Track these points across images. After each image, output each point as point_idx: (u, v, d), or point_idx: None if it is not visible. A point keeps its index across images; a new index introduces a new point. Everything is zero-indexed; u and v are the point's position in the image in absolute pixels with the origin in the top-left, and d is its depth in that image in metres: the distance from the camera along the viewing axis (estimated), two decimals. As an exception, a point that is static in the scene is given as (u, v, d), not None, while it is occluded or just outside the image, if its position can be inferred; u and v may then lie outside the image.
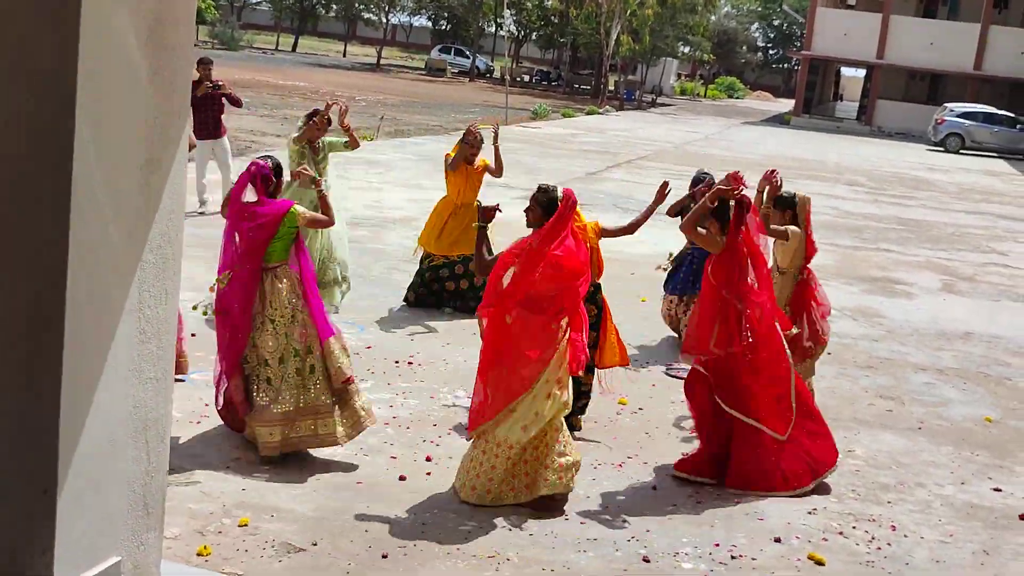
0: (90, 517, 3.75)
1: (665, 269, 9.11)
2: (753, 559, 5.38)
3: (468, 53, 68.34)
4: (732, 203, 6.17)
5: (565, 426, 5.78)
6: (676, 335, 8.98)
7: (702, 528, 5.66)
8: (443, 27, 77.95)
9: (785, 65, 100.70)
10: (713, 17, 68.83)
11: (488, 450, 5.60)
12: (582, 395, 6.80)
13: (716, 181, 6.76)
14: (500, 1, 50.77)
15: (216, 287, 6.07)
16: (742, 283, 6.13)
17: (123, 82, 3.63)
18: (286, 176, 6.93)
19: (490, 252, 5.96)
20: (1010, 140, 40.95)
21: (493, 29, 70.88)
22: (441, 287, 9.61)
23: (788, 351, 6.36)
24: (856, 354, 9.57)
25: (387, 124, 26.70)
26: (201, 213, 12.38)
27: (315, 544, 5.06)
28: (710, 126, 44.11)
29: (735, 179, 6.11)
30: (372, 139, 23.49)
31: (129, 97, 3.67)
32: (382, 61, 66.86)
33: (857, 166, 30.13)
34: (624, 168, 23.40)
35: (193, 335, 7.69)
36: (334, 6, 75.80)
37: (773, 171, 7.24)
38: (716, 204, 6.18)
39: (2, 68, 3.42)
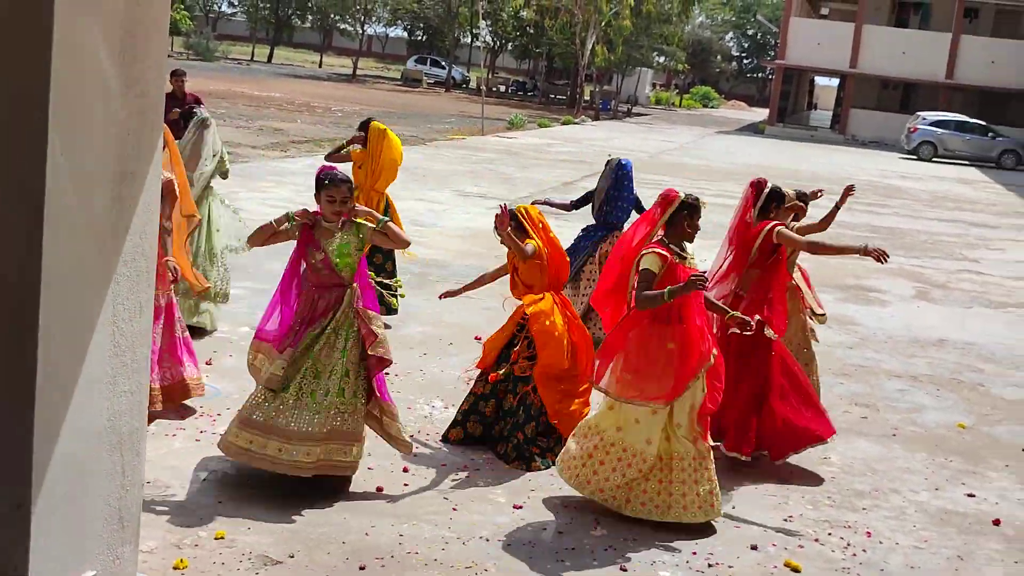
0: (64, 531, 3.73)
1: None
2: (730, 567, 5.40)
3: (444, 64, 68.49)
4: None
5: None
6: None
7: (679, 536, 5.68)
8: (419, 38, 78.18)
9: (759, 75, 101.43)
10: (688, 27, 69.26)
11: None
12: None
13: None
14: (476, 12, 50.87)
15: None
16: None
17: (96, 95, 3.62)
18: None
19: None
20: (982, 148, 41.41)
21: (469, 40, 71.07)
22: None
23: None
24: (831, 362, 9.62)
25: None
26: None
27: (292, 556, 5.05)
28: (685, 135, 44.33)
29: None
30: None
31: (102, 110, 3.67)
32: (358, 72, 66.91)
33: (831, 174, 30.31)
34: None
35: (209, 362, 7.71)
36: (310, 17, 75.83)
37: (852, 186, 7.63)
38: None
39: (-26, 82, 3.42)
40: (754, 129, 53.83)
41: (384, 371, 5.90)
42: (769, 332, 6.54)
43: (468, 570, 5.09)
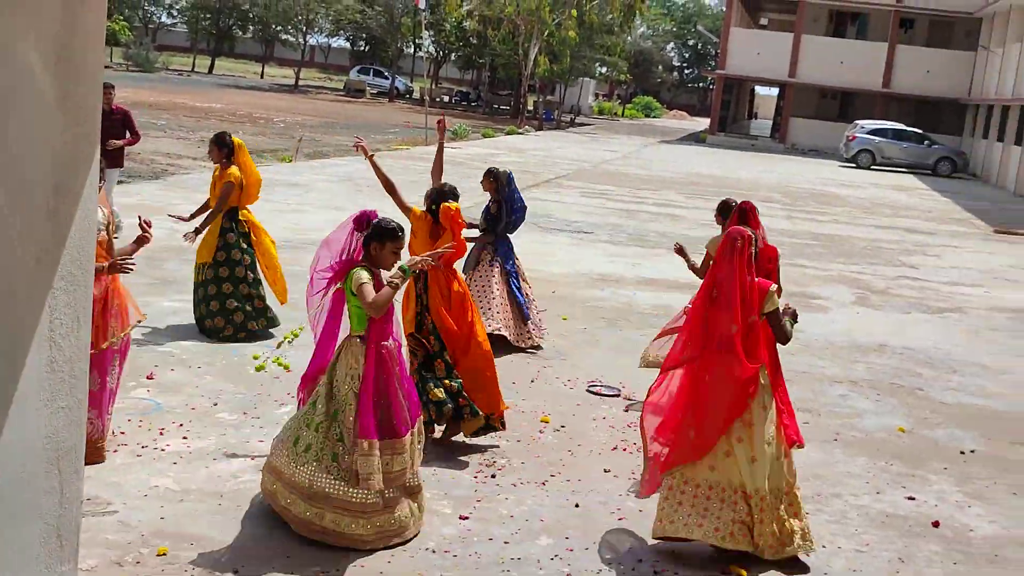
0: (2, 550, 3.66)
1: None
2: (676, 574, 5.43)
3: (387, 74, 68.35)
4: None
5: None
6: None
7: (625, 544, 5.70)
8: (362, 48, 77.89)
9: (701, 84, 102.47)
10: (629, 38, 69.71)
11: None
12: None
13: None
14: (418, 22, 50.84)
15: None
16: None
17: (30, 107, 3.57)
18: None
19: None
20: (918, 155, 42.20)
21: (412, 50, 70.98)
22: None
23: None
24: (773, 368, 9.71)
25: (305, 145, 26.55)
26: (116, 238, 12.15)
27: (236, 572, 4.99)
28: (628, 145, 44.61)
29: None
30: (290, 160, 23.33)
31: (37, 122, 3.61)
32: (300, 82, 66.57)
33: (771, 183, 30.69)
34: (543, 187, 23.54)
35: (150, 376, 7.53)
36: (251, 27, 75.25)
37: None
38: None
39: (-96, 93, 3.35)
40: (696, 138, 54.32)
41: None
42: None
43: (414, 582, 5.07)
